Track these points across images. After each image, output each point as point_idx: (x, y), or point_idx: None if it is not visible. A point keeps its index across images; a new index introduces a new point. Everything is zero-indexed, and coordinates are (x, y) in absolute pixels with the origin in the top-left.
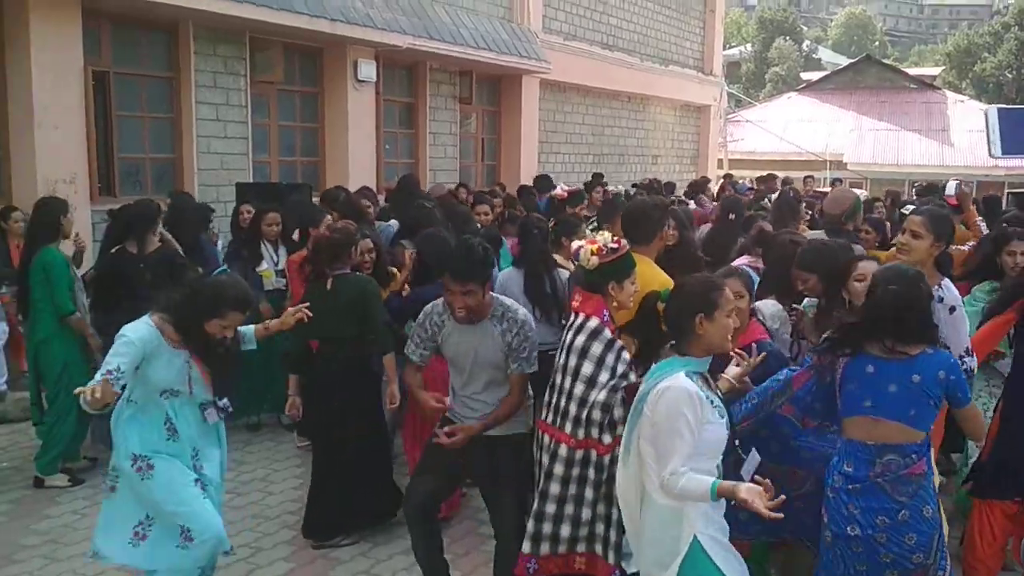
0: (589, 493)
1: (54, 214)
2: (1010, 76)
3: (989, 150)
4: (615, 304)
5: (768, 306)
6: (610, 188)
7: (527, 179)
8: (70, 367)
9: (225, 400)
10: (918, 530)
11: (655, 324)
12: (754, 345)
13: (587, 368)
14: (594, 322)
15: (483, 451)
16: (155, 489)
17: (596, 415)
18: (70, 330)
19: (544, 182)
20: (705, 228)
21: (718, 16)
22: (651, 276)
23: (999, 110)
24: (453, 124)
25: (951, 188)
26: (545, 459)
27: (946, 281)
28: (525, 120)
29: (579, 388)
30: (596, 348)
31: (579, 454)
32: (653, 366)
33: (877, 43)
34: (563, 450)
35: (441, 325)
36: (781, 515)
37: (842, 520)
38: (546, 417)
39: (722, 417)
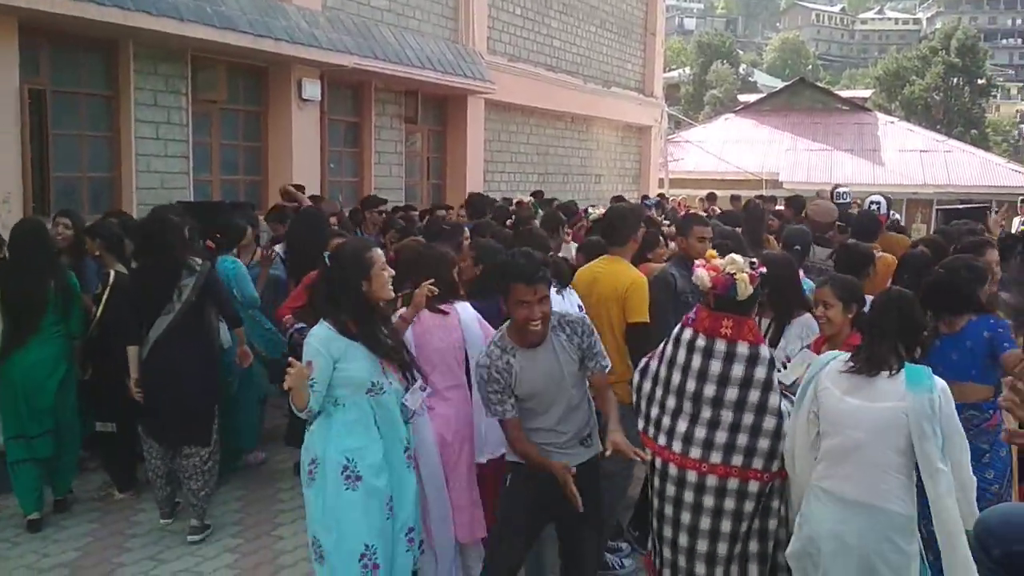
0: (736, 527)
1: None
2: (938, 98)
3: None
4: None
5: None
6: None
7: None
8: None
9: (420, 380)
10: (995, 467)
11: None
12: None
13: (754, 396)
14: (754, 348)
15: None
16: (344, 508)
17: (764, 444)
18: None
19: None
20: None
21: (659, 39)
22: (623, 272)
23: None
24: (398, 143)
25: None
26: (670, 488)
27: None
28: (471, 139)
29: (728, 415)
30: (761, 373)
31: (732, 483)
32: (904, 373)
33: (810, 67)
34: (712, 480)
35: (509, 368)
36: None
37: None
38: (669, 444)
39: None
